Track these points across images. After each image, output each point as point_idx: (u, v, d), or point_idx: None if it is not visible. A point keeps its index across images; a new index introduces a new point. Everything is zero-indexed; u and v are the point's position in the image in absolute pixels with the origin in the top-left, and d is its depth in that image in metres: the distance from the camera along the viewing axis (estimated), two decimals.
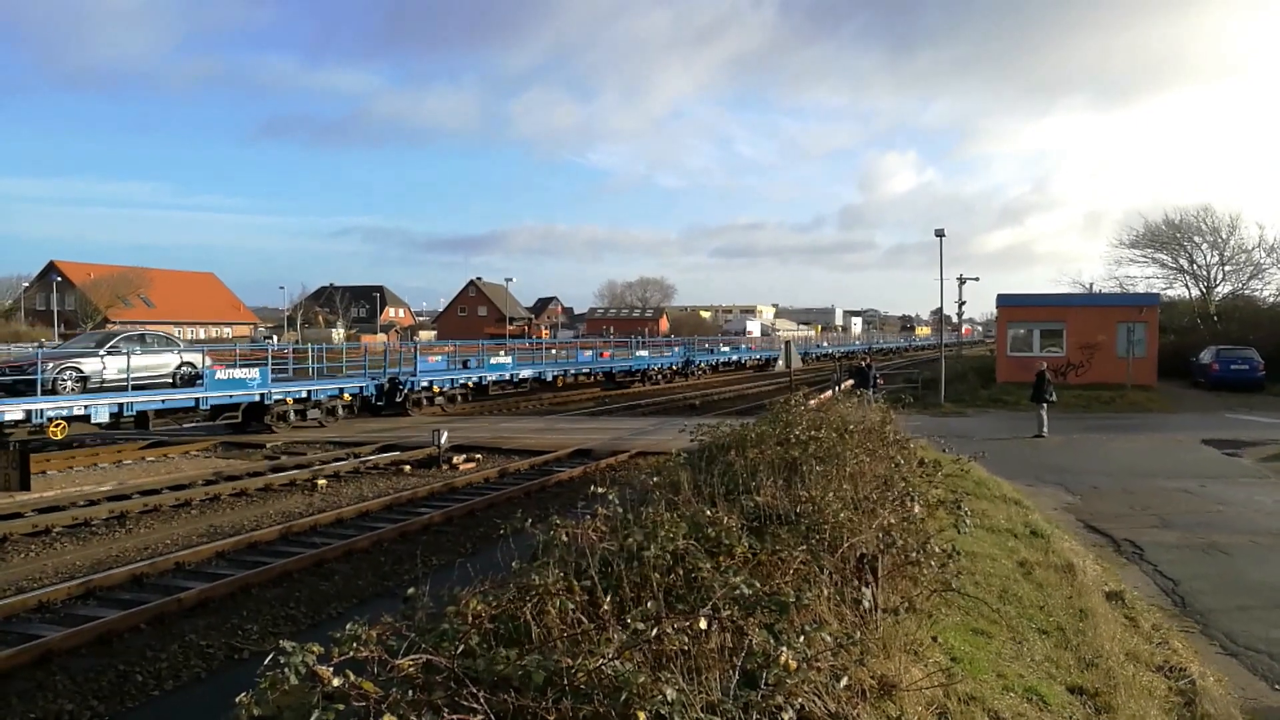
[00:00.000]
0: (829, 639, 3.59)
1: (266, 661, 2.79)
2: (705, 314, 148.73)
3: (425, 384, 31.45)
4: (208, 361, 24.46)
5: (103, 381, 21.86)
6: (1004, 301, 39.52)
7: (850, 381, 27.84)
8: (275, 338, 68.78)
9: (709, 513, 4.90)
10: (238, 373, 24.72)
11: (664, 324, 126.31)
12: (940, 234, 34.78)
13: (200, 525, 14.37)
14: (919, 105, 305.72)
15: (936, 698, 4.42)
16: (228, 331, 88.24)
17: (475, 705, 2.77)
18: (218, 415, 25.84)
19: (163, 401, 22.91)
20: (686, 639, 3.19)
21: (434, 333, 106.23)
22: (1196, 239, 54.91)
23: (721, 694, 3.03)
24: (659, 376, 48.24)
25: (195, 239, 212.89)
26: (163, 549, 12.77)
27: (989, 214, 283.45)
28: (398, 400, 29.97)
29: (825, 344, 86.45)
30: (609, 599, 3.62)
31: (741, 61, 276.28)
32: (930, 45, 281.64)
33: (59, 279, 79.17)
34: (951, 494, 8.53)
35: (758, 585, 3.70)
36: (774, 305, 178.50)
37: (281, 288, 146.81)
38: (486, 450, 21.96)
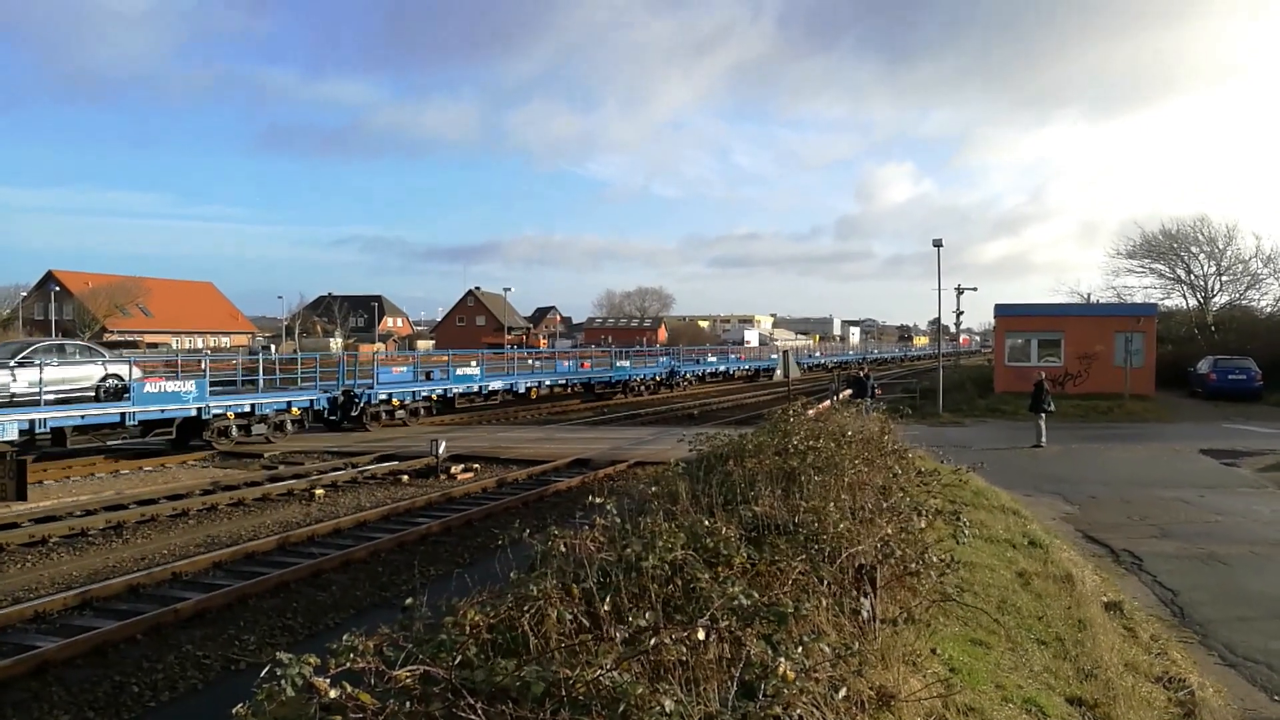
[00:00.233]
0: (827, 649, 3.58)
1: (263, 673, 2.78)
2: (703, 324, 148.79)
3: (384, 396, 29.38)
4: (136, 373, 22.64)
5: (12, 396, 20.10)
6: (1002, 311, 39.60)
7: (848, 391, 27.86)
8: (273, 347, 68.75)
9: (707, 523, 4.89)
10: (171, 385, 22.75)
11: (662, 334, 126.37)
12: (938, 244, 34.86)
13: (197, 535, 14.34)
14: (917, 116, 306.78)
15: (935, 709, 4.41)
16: (226, 341, 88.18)
17: (473, 717, 2.76)
18: (148, 432, 23.86)
19: (82, 417, 20.73)
20: (685, 649, 3.19)
21: (432, 342, 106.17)
22: (1193, 249, 55.13)
23: (720, 705, 3.02)
24: (641, 388, 46.26)
25: (194, 249, 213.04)
26: (160, 559, 12.74)
27: (986, 224, 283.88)
28: (353, 414, 28.22)
29: (818, 354, 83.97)
30: (607, 609, 3.61)
31: (740, 73, 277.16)
32: (929, 56, 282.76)
33: (57, 288, 79.05)
34: (950, 504, 8.55)
35: (756, 596, 3.69)
36: (772, 315, 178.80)
37: (280, 297, 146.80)
38: (484, 460, 21.94)
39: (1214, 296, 54.60)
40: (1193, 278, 55.39)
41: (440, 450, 20.25)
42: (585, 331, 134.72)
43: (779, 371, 32.98)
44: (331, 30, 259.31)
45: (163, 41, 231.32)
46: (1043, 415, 23.75)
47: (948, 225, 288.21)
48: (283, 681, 2.70)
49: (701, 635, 3.23)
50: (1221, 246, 53.99)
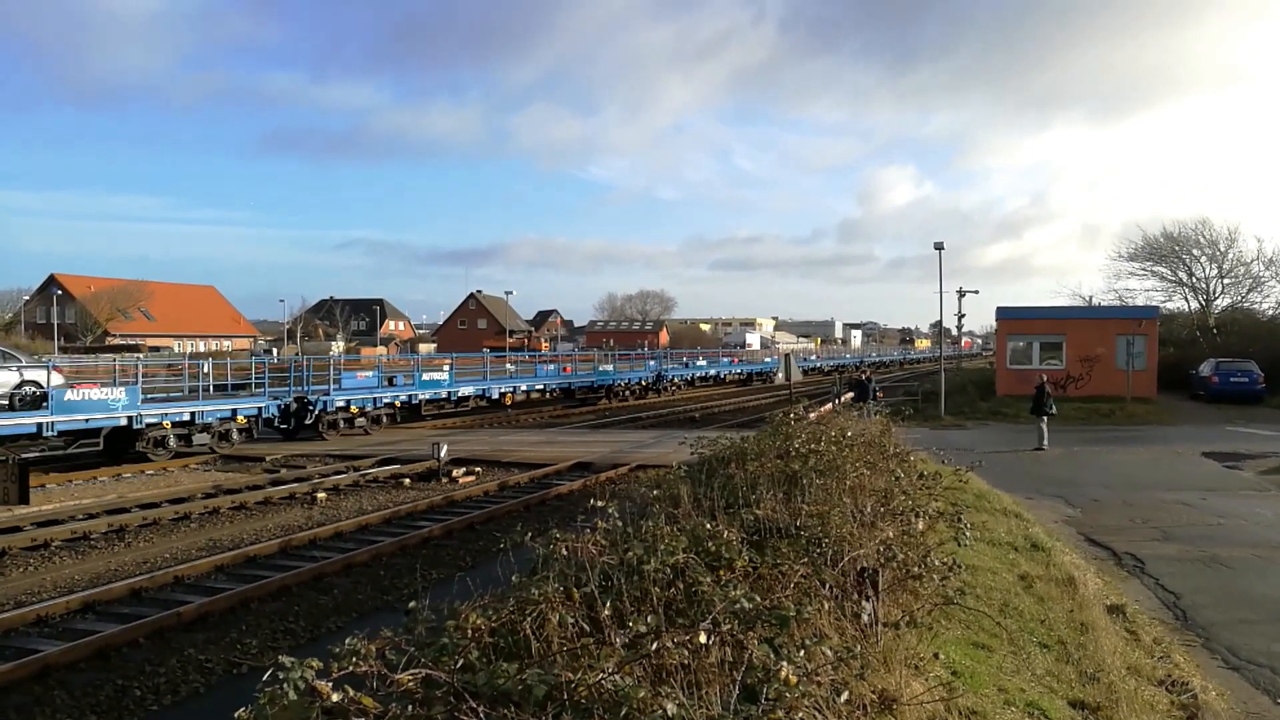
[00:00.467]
0: (829, 653, 3.58)
1: (265, 676, 2.78)
2: (705, 327, 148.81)
3: (341, 403, 27.65)
4: (57, 379, 21.24)
5: None
6: (1003, 314, 39.60)
7: (850, 394, 27.86)
8: (275, 351, 68.81)
9: (709, 526, 4.89)
10: (97, 392, 20.95)
11: (664, 337, 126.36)
12: (939, 247, 34.91)
13: (199, 539, 14.34)
14: (918, 119, 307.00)
15: (937, 712, 4.41)
16: (227, 345, 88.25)
17: None
18: (73, 443, 21.25)
19: None
20: (686, 653, 3.19)
21: (434, 345, 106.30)
22: (1195, 252, 55.11)
23: (722, 708, 3.02)
24: (626, 392, 44.75)
25: (196, 252, 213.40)
26: (162, 563, 12.74)
27: (987, 227, 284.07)
28: (307, 422, 26.51)
29: (813, 357, 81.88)
30: (609, 613, 3.61)
31: (742, 76, 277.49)
32: (930, 60, 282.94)
33: (59, 292, 79.27)
34: (951, 507, 8.54)
35: (758, 599, 3.69)
36: (773, 318, 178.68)
37: (282, 301, 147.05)
38: (486, 463, 21.94)
39: (1216, 299, 54.61)
40: (1194, 280, 55.40)
41: (442, 453, 20.28)
42: (587, 335, 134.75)
43: (780, 374, 32.91)
44: (335, 35, 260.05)
45: (168, 47, 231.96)
46: (1044, 418, 23.75)
47: (949, 228, 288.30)
48: (285, 685, 2.70)
49: (703, 638, 3.23)
50: (1223, 249, 54.03)
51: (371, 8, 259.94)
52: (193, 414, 22.92)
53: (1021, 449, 23.17)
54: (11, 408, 20.11)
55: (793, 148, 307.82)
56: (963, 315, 43.10)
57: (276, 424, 26.06)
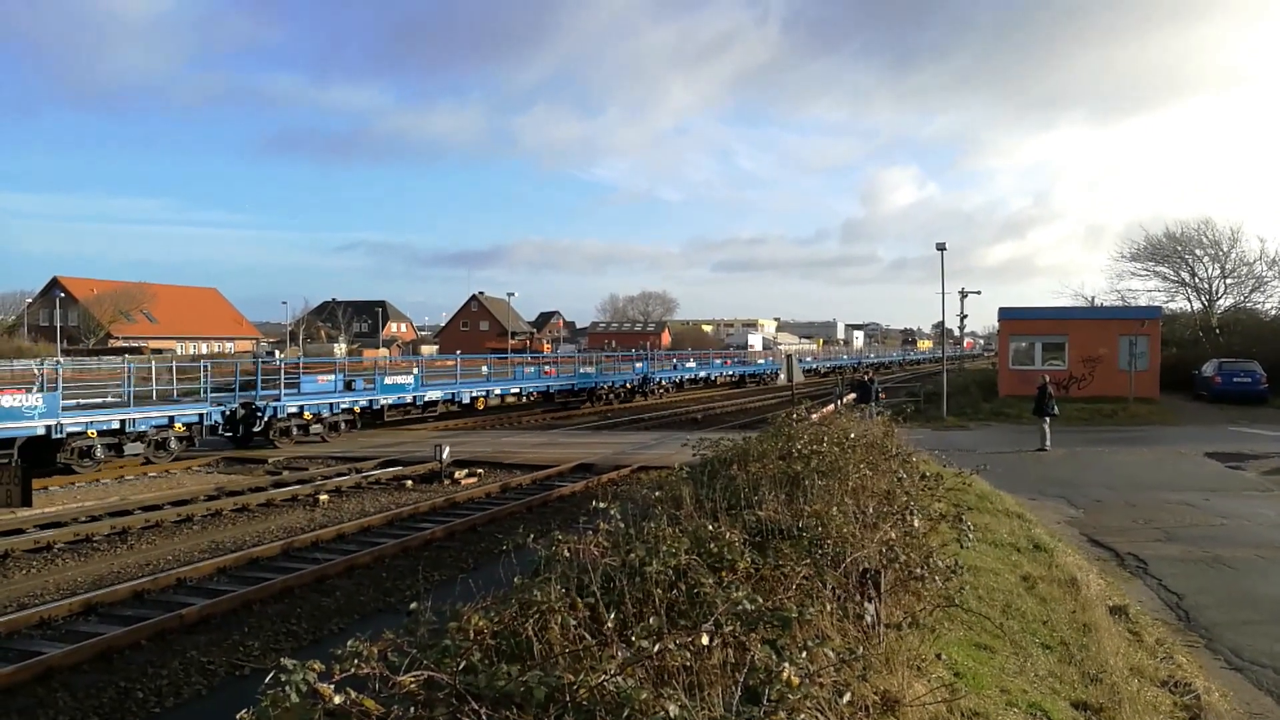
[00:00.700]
0: (832, 654, 3.58)
1: (268, 679, 2.78)
2: (707, 328, 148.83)
3: (294, 409, 25.92)
4: None
5: None
6: (1006, 315, 39.57)
7: (852, 395, 27.86)
8: (277, 352, 68.86)
9: (711, 527, 4.89)
10: (8, 399, 19.07)
11: (666, 337, 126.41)
12: (941, 248, 34.87)
13: (202, 541, 14.35)
14: (920, 120, 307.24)
15: (940, 713, 4.40)
16: (230, 346, 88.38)
17: None
18: None
19: None
20: (689, 655, 3.19)
21: (436, 347, 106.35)
22: (1198, 252, 55.01)
23: (724, 710, 3.02)
24: (610, 395, 43.28)
25: (199, 254, 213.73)
26: (164, 565, 12.75)
27: (990, 227, 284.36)
28: (256, 430, 24.92)
29: (809, 358, 79.41)
30: (611, 615, 3.61)
31: (744, 77, 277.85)
32: (932, 61, 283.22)
33: (62, 295, 79.38)
34: (954, 508, 8.52)
35: (760, 600, 3.69)
36: (776, 319, 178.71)
37: (284, 303, 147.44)
38: (488, 465, 21.95)
39: (1218, 299, 54.49)
40: (1197, 280, 55.31)
41: (444, 455, 20.29)
42: (589, 336, 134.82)
43: (782, 375, 32.86)
44: (337, 37, 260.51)
45: (172, 49, 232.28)
46: (1047, 419, 23.73)
47: (952, 228, 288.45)
48: (287, 687, 2.70)
49: (705, 640, 3.22)
50: (1226, 249, 53.92)
51: (373, 9, 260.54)
52: (123, 422, 21.20)
53: (1024, 450, 23.15)
54: None
55: (794, 148, 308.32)
56: (965, 316, 42.98)
57: (221, 431, 24.45)
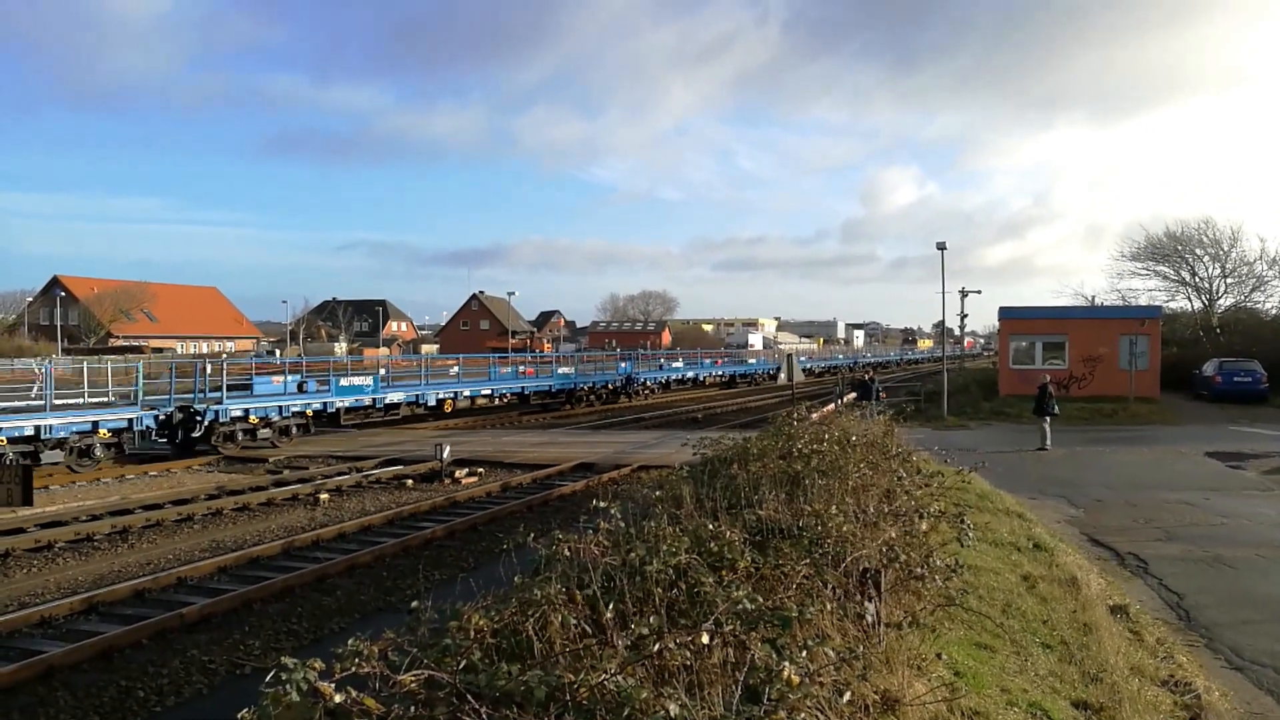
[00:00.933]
0: (832, 654, 3.58)
1: (269, 677, 2.79)
2: (707, 327, 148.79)
3: (238, 412, 24.10)
4: None
5: None
6: (1006, 314, 39.56)
7: (853, 394, 27.87)
8: (278, 352, 68.88)
9: (711, 527, 4.89)
10: None
11: (666, 337, 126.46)
12: (941, 247, 34.88)
13: (203, 540, 14.36)
14: (920, 120, 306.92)
15: (940, 713, 4.41)
16: (230, 346, 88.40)
17: None
18: None
19: None
20: (689, 654, 3.19)
21: (437, 346, 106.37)
22: (1198, 251, 54.99)
23: (724, 709, 3.02)
24: (591, 397, 41.67)
25: (199, 254, 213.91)
26: (165, 564, 12.76)
27: (990, 227, 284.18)
28: (195, 435, 23.03)
29: (804, 358, 76.26)
30: (611, 614, 3.61)
31: (745, 78, 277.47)
32: (932, 61, 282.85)
33: (62, 294, 79.42)
34: (954, 507, 8.53)
35: (760, 600, 3.69)
36: (776, 318, 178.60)
37: (284, 302, 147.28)
38: (489, 464, 21.95)
39: (1219, 299, 54.46)
40: (1197, 280, 55.29)
41: (445, 454, 20.30)
42: (589, 335, 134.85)
43: (782, 375, 32.79)
44: (338, 37, 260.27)
45: (173, 49, 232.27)
46: (1047, 418, 23.73)
47: (952, 228, 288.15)
48: (288, 686, 2.71)
49: (706, 639, 3.23)
50: (1226, 249, 53.90)
51: (373, 10, 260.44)
52: (38, 428, 19.52)
53: (1024, 449, 23.15)
54: None
55: (795, 148, 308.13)
56: (965, 315, 43.00)
57: (154, 437, 22.62)
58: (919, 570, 5.72)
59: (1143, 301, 51.56)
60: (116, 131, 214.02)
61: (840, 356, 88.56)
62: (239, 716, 2.75)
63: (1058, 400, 25.01)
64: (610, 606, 3.66)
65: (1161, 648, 8.14)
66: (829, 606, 4.46)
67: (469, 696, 2.86)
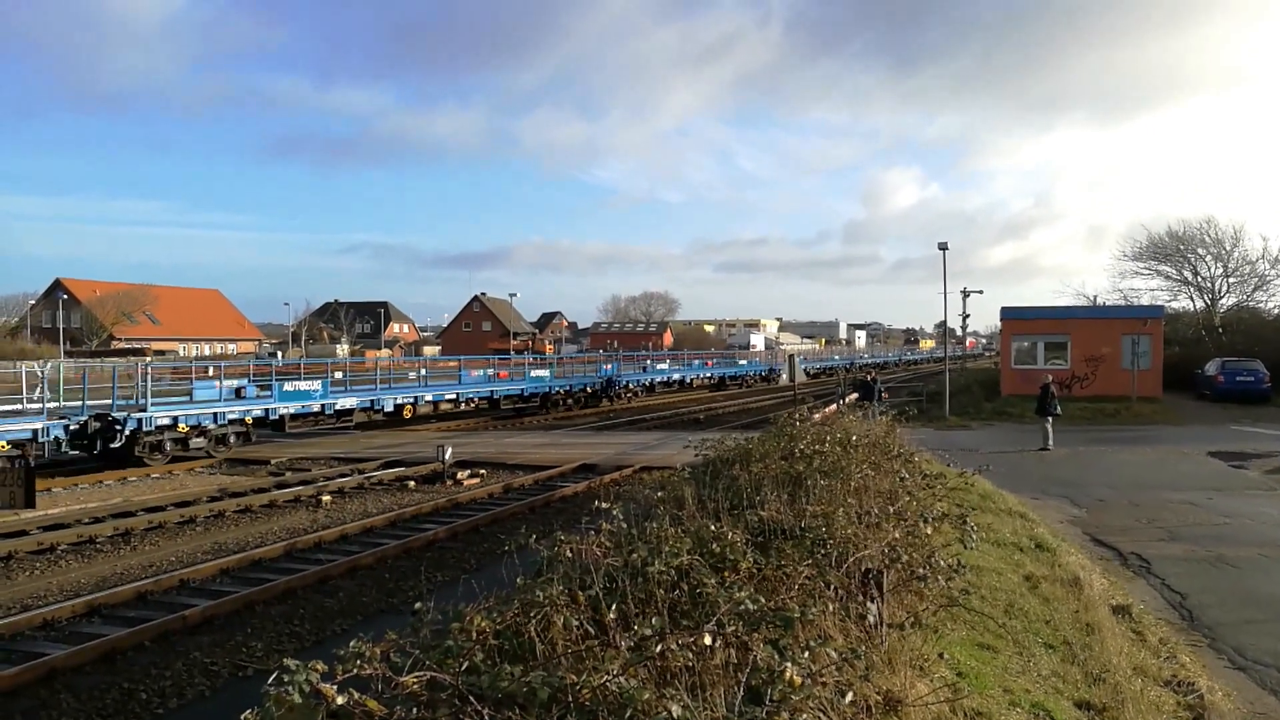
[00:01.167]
0: (834, 654, 3.58)
1: (271, 679, 2.79)
2: (709, 328, 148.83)
3: (165, 420, 21.85)
4: None
5: None
6: (1008, 314, 39.54)
7: (855, 395, 27.84)
8: (279, 354, 68.93)
9: (713, 528, 4.89)
10: None
11: (668, 338, 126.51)
12: (943, 248, 34.88)
13: (205, 542, 14.36)
14: (921, 121, 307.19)
15: (942, 713, 4.40)
16: (232, 348, 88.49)
17: None
18: None
19: None
20: (691, 655, 3.19)
21: (438, 348, 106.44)
22: (1200, 251, 54.92)
23: (726, 710, 3.02)
24: (569, 400, 40.02)
25: (201, 256, 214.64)
26: (167, 566, 12.77)
27: (992, 228, 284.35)
28: (115, 445, 20.63)
29: (801, 359, 77.96)
30: (614, 615, 3.61)
31: (746, 79, 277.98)
32: (932, 62, 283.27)
33: (65, 296, 79.51)
34: (956, 507, 8.51)
35: (762, 601, 3.69)
36: (778, 319, 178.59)
37: (286, 304, 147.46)
38: (491, 465, 21.96)
39: (1221, 298, 54.40)
40: (1199, 279, 55.22)
41: (447, 456, 20.30)
42: (591, 336, 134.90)
43: (784, 376, 32.73)
44: (340, 40, 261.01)
45: (176, 52, 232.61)
46: (1049, 418, 23.71)
47: (954, 229, 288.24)
48: (290, 688, 2.71)
49: (708, 640, 3.23)
50: (1228, 248, 53.83)
51: (374, 12, 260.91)
52: None
53: (1027, 449, 23.13)
54: None
55: (796, 149, 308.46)
56: (967, 315, 42.94)
57: (65, 449, 20.50)
58: (921, 571, 5.71)
59: (1145, 301, 51.54)
60: (118, 133, 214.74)
61: (837, 358, 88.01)
62: (242, 718, 2.75)
63: (1060, 400, 24.99)
64: (613, 608, 3.66)
65: (1164, 648, 8.13)
66: (831, 607, 4.46)
67: (471, 698, 2.86)
